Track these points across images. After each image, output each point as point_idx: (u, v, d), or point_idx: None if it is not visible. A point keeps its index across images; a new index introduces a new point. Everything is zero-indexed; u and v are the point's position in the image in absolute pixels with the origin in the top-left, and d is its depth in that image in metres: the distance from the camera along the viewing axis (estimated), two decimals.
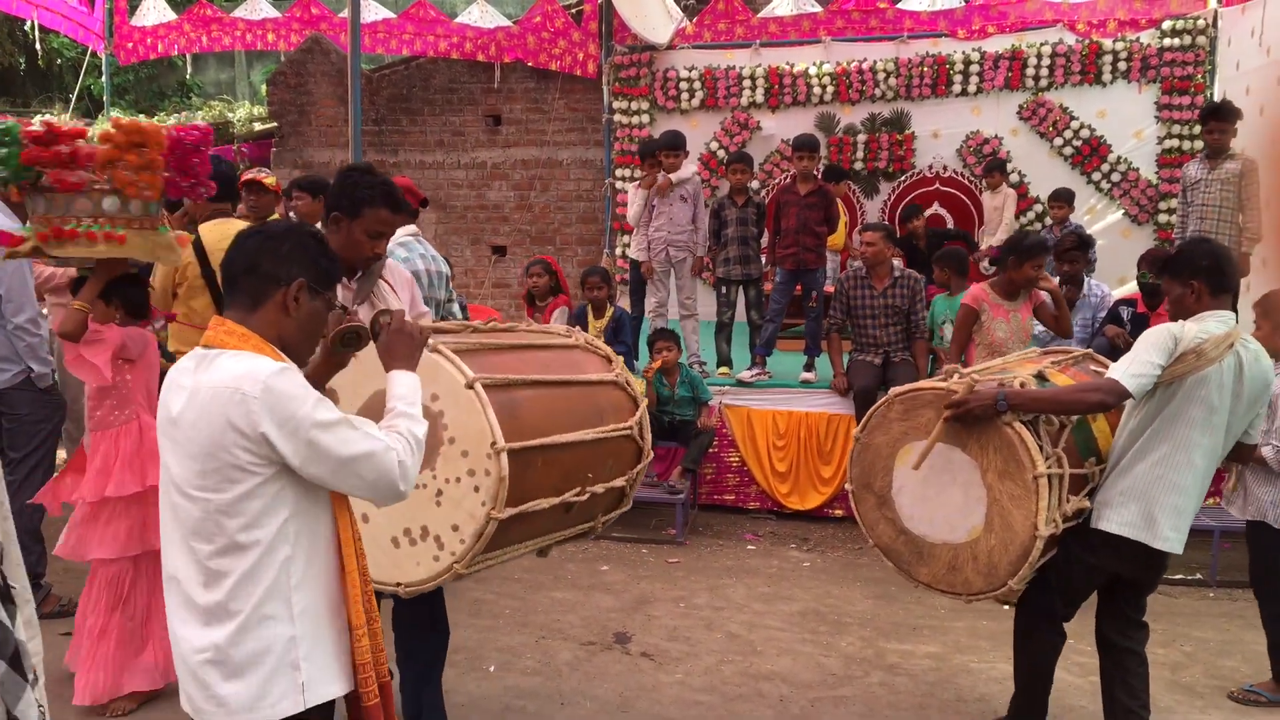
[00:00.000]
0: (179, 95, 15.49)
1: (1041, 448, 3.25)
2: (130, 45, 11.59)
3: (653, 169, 6.97)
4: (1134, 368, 3.23)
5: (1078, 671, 4.33)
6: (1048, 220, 8.38)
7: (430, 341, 2.69)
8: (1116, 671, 3.51)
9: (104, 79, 12.17)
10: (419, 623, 3.33)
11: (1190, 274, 3.37)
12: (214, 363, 2.02)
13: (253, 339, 2.05)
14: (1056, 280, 5.94)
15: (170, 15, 11.53)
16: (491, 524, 2.69)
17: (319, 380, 2.32)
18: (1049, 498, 3.21)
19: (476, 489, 2.68)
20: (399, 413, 2.17)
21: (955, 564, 3.41)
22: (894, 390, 3.60)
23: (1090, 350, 4.34)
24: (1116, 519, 3.35)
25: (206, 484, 1.98)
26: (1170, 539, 3.32)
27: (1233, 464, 4.22)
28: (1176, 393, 3.28)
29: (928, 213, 9.13)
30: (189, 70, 14.20)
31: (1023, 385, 3.37)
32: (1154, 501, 3.30)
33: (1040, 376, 3.53)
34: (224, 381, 1.97)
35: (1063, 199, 8.00)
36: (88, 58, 12.20)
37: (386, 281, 3.23)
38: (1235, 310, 3.46)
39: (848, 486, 3.70)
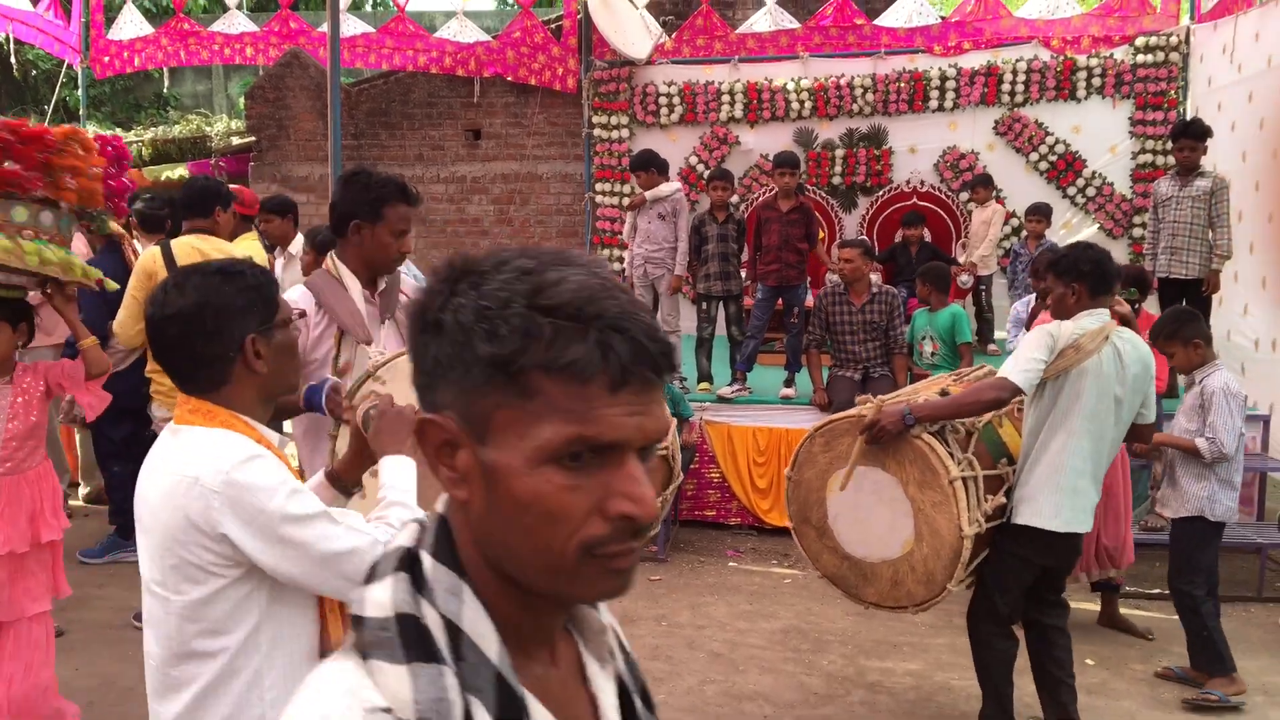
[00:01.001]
0: (156, 108, 15.38)
1: (952, 454, 3.50)
2: (106, 59, 11.47)
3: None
4: (1020, 364, 3.52)
5: None
6: (1023, 234, 8.42)
7: None
8: (1044, 646, 3.79)
9: (80, 92, 12.06)
10: None
11: (1073, 277, 3.64)
12: (177, 440, 1.80)
13: (221, 414, 1.81)
14: (1038, 296, 5.94)
15: (147, 29, 11.41)
16: None
17: (360, 468, 2.09)
18: (967, 499, 3.44)
19: None
20: (390, 502, 1.90)
21: (897, 579, 3.60)
22: (814, 426, 3.84)
23: (992, 367, 4.48)
24: (1032, 511, 3.59)
25: (167, 582, 1.74)
26: (1081, 520, 3.59)
27: (1149, 455, 4.78)
28: (1064, 386, 3.55)
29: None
30: (166, 83, 14.10)
31: (926, 401, 3.59)
32: (1061, 489, 3.55)
33: (944, 393, 3.75)
34: (182, 469, 1.73)
35: (1040, 214, 8.05)
36: (64, 70, 12.09)
37: (405, 295, 3.12)
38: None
39: (789, 524, 3.89)
